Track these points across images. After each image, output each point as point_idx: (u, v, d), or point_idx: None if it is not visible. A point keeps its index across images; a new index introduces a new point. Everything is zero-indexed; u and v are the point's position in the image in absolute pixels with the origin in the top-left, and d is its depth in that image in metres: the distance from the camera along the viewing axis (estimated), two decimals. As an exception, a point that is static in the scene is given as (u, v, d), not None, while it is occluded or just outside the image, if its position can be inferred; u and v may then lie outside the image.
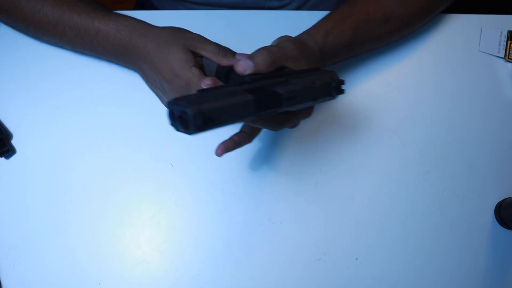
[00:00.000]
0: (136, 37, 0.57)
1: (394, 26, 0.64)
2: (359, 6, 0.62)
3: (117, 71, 0.67)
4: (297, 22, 0.71)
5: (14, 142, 0.64)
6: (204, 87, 0.47)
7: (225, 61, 0.55)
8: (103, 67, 0.67)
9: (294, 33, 0.69)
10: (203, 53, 0.55)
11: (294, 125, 0.53)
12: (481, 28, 0.72)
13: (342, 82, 0.50)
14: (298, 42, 0.55)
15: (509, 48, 0.71)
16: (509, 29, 0.72)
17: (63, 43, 0.63)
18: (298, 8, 0.76)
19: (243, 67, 0.49)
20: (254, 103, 0.41)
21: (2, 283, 0.59)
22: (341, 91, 0.50)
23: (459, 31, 0.72)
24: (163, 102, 0.60)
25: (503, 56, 0.71)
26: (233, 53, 0.56)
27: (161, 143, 0.64)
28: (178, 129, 0.39)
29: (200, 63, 0.56)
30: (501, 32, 0.72)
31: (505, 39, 0.71)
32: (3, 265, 0.59)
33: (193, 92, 0.45)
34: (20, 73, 0.66)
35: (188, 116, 0.37)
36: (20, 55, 0.66)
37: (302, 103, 0.47)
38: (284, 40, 0.55)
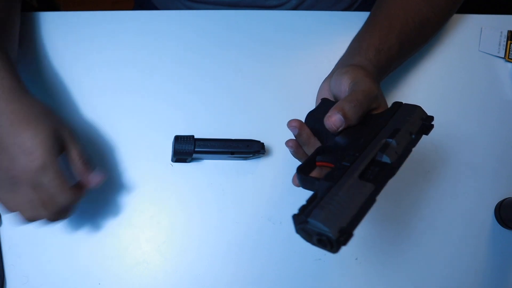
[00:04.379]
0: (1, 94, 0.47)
1: (429, 31, 0.64)
2: (396, 17, 0.60)
3: (117, 71, 0.67)
4: (296, 22, 0.71)
5: (14, 142, 0.64)
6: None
7: (80, 172, 0.51)
8: (103, 67, 0.67)
9: (293, 33, 0.70)
10: (70, 148, 0.50)
11: None
12: (481, 28, 0.72)
13: (431, 119, 0.47)
14: (370, 74, 0.51)
15: (509, 48, 0.71)
16: (509, 29, 0.72)
17: None
18: (296, 6, 0.76)
19: (334, 123, 0.45)
20: (375, 190, 0.40)
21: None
22: (431, 127, 0.47)
23: (459, 31, 0.72)
24: None
25: (503, 56, 0.71)
26: (90, 171, 0.51)
27: (161, 143, 0.64)
28: (314, 244, 0.40)
29: (58, 154, 0.49)
30: (501, 32, 0.72)
31: (505, 39, 0.71)
32: (4, 264, 0.59)
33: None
34: (19, 73, 0.66)
35: (332, 240, 0.38)
36: (20, 55, 0.66)
37: (405, 158, 0.45)
38: (360, 80, 0.49)
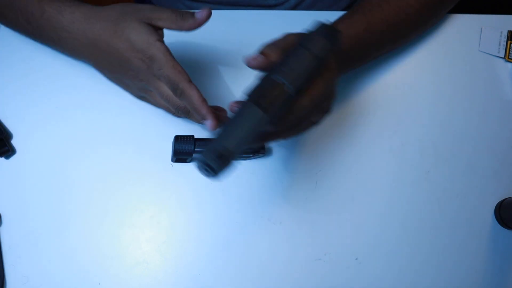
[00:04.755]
0: (80, 20, 0.51)
1: (414, 23, 0.65)
2: (378, 6, 0.61)
3: (117, 71, 0.67)
4: (295, 21, 0.71)
5: (14, 142, 0.64)
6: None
7: (186, 25, 0.50)
8: (103, 67, 0.67)
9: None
10: (160, 23, 0.50)
11: (315, 120, 0.48)
12: (481, 28, 0.72)
13: (334, 31, 0.45)
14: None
15: (509, 48, 0.71)
16: (509, 29, 0.72)
17: (22, 32, 0.57)
18: (296, 5, 0.76)
19: (253, 61, 0.45)
20: (265, 114, 0.41)
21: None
22: (336, 36, 0.45)
23: (459, 31, 0.72)
24: (130, 91, 0.54)
25: (503, 56, 0.71)
26: (192, 15, 0.51)
27: (161, 143, 0.64)
28: (210, 177, 0.41)
29: (161, 36, 0.51)
30: (501, 32, 0.72)
31: (505, 39, 0.71)
32: (4, 264, 0.59)
33: (158, 68, 0.46)
34: (20, 73, 0.66)
35: (208, 164, 0.39)
36: (20, 55, 0.66)
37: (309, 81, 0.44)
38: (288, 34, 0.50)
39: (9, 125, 0.64)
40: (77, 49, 0.55)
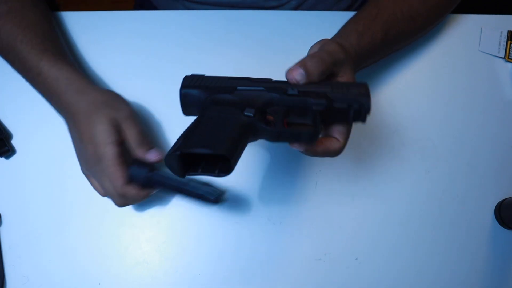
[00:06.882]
0: (71, 93, 0.55)
1: (418, 24, 0.65)
2: (385, 7, 0.62)
3: (117, 73, 0.67)
4: (296, 22, 0.71)
5: (14, 142, 0.64)
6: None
7: (137, 153, 0.54)
8: (103, 68, 0.67)
9: (293, 33, 0.70)
10: (123, 134, 0.54)
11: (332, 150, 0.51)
12: (481, 28, 0.72)
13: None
14: (341, 45, 0.53)
15: (509, 48, 0.71)
16: (509, 29, 0.72)
17: (15, 69, 0.61)
18: (297, 7, 0.76)
19: (295, 76, 0.48)
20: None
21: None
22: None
23: (459, 31, 0.72)
24: (81, 165, 0.57)
25: (503, 56, 0.71)
26: (149, 146, 0.55)
27: (161, 143, 0.64)
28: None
29: (121, 139, 0.54)
30: (501, 32, 0.72)
31: (505, 39, 0.71)
32: (4, 264, 0.59)
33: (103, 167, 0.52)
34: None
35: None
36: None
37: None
38: (327, 43, 0.52)
39: (9, 125, 0.64)
40: (60, 112, 0.58)
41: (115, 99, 0.57)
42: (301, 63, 0.49)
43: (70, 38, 0.68)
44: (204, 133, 0.44)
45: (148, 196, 0.56)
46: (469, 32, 0.72)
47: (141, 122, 0.57)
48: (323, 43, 0.53)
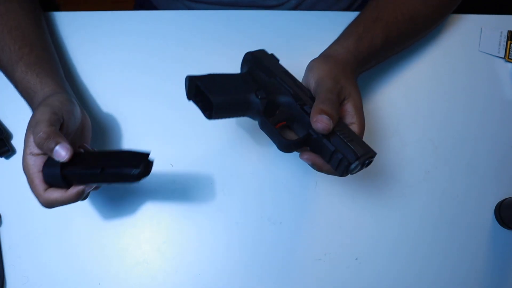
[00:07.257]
0: (33, 106, 0.55)
1: (419, 25, 0.65)
2: (386, 8, 0.62)
3: (116, 72, 0.67)
4: (295, 22, 0.71)
5: (14, 142, 0.64)
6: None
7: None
8: (103, 68, 0.67)
9: (293, 33, 0.70)
10: (32, 137, 0.50)
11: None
12: (481, 28, 0.72)
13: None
14: (336, 66, 0.54)
15: (509, 48, 0.71)
16: (509, 29, 0.72)
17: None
18: (296, 6, 0.76)
19: (326, 124, 0.48)
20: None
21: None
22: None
23: (459, 31, 0.72)
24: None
25: (503, 56, 0.71)
26: (55, 143, 0.49)
27: (161, 143, 0.64)
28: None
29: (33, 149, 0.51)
30: (501, 32, 0.72)
31: (505, 39, 0.71)
32: (4, 264, 0.59)
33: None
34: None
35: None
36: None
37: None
38: (321, 80, 0.52)
39: (9, 125, 0.64)
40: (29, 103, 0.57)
41: (57, 101, 0.52)
42: (319, 110, 0.49)
43: (70, 38, 0.68)
44: (218, 82, 0.52)
45: (83, 193, 0.50)
46: (469, 32, 0.72)
47: (51, 120, 0.50)
48: (316, 76, 0.53)
